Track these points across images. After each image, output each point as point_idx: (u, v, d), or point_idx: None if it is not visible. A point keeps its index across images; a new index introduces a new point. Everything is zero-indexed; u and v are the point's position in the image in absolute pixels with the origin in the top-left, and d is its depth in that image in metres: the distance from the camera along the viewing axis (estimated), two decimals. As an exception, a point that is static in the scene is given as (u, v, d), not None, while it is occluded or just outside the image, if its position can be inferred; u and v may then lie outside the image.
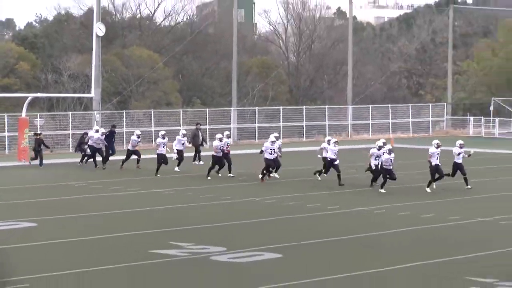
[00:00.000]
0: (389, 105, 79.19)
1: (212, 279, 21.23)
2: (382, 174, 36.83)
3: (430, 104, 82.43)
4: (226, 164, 42.20)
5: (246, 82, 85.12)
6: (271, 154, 39.76)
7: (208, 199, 35.53)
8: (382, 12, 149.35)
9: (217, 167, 42.02)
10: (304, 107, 74.10)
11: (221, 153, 41.63)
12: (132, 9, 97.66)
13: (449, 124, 79.30)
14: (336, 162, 39.05)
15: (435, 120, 78.76)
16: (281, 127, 64.59)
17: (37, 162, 47.96)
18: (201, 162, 47.24)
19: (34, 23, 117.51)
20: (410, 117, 76.86)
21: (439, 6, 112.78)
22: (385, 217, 31.55)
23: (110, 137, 48.70)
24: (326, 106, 75.14)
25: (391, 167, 36.55)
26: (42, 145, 48.51)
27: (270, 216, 31.27)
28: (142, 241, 26.11)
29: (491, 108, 79.12)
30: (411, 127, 75.78)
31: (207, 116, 65.09)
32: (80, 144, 49.60)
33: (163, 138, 43.58)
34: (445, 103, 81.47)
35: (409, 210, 32.91)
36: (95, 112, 59.07)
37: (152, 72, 78.76)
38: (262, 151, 40.54)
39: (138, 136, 45.86)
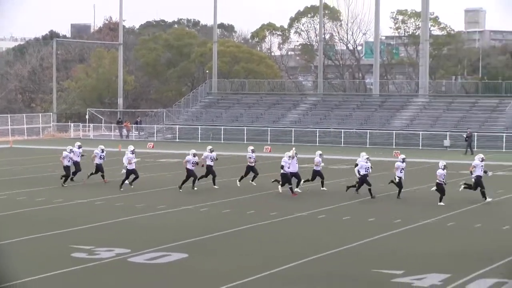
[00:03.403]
0: (8, 115, 77.06)
1: None
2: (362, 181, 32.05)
3: (40, 114, 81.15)
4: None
5: None
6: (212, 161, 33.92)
7: None
8: (1, 44, 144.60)
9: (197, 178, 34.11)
10: None
11: (195, 166, 33.48)
12: None
13: (55, 129, 78.48)
14: (367, 177, 31.86)
15: (44, 126, 77.61)
16: None
17: None
18: None
19: None
20: (25, 124, 75.25)
21: (45, 39, 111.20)
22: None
23: None
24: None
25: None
26: None
27: None
28: None
29: (87, 116, 79.46)
30: (26, 131, 74.11)
31: None
32: None
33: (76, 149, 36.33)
34: (51, 113, 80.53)
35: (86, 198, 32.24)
36: None
37: None
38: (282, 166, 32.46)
39: (103, 151, 35.96)
